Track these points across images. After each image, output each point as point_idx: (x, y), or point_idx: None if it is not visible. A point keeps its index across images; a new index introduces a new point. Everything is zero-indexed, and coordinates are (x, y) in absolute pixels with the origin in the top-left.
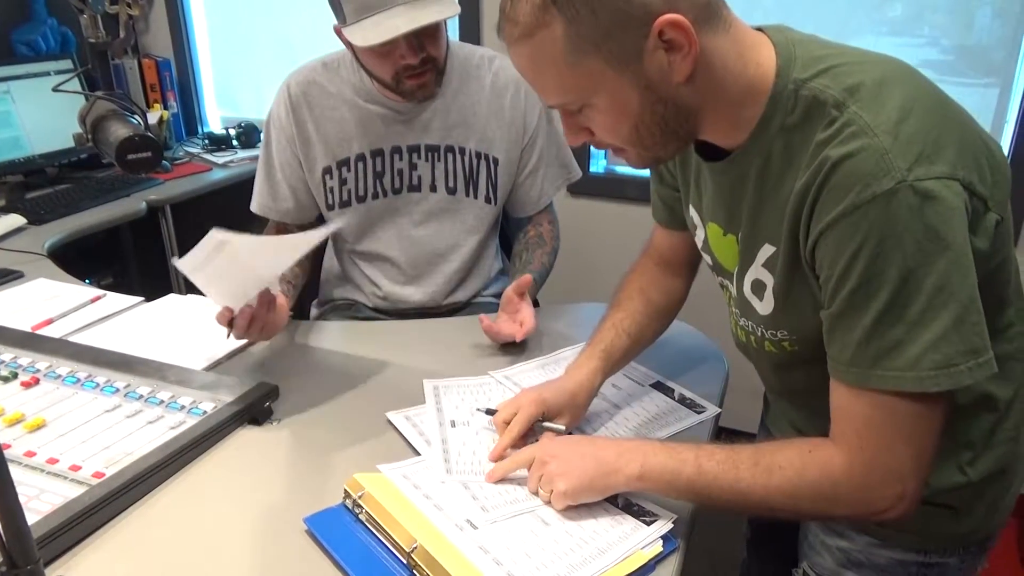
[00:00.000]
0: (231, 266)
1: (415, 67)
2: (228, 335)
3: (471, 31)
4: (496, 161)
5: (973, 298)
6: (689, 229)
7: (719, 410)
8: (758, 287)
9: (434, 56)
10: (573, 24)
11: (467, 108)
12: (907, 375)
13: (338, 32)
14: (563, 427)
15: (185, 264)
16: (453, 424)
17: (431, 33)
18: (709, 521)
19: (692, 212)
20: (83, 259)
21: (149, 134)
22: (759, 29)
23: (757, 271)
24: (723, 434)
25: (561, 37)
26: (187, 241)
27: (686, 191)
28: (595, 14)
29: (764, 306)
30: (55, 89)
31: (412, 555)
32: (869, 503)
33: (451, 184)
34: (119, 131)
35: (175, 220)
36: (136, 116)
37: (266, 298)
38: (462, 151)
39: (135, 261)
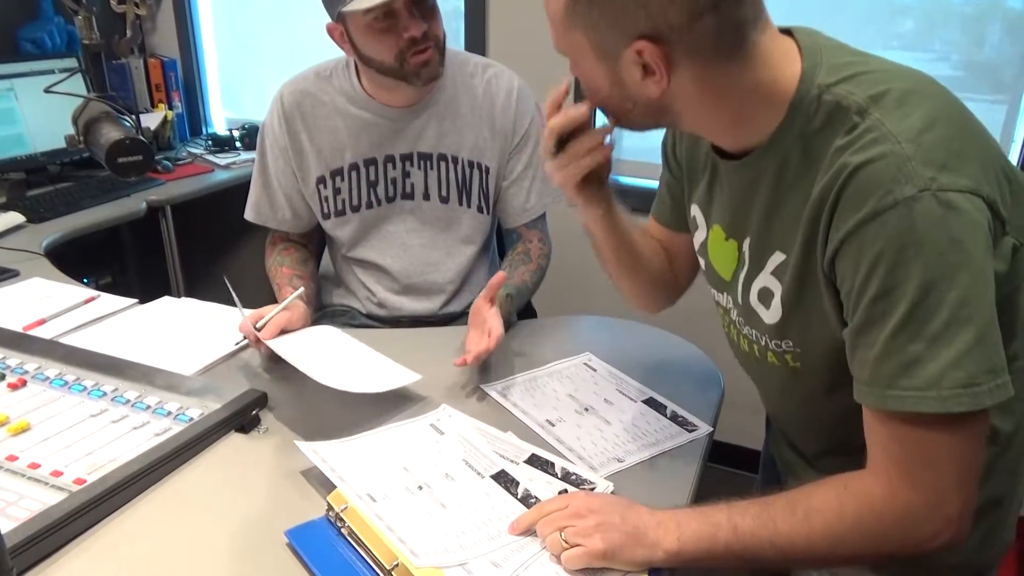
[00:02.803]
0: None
1: (418, 42)
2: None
3: (476, 40)
4: (488, 170)
5: (994, 316)
6: (689, 230)
7: (711, 429)
8: (765, 295)
9: (435, 33)
10: None
11: (460, 116)
12: (927, 395)
13: (331, 32)
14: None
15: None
16: (373, 499)
17: (430, 9)
18: None
19: (696, 211)
20: (82, 258)
21: (141, 137)
22: (788, 31)
23: (766, 279)
24: (720, 449)
25: (564, 2)
26: (187, 242)
27: (691, 187)
28: (591, 2)
29: (771, 314)
30: (47, 90)
31: (393, 572)
32: (917, 530)
33: (444, 193)
34: (110, 134)
35: (175, 221)
36: (128, 119)
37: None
38: (455, 160)
39: (134, 261)
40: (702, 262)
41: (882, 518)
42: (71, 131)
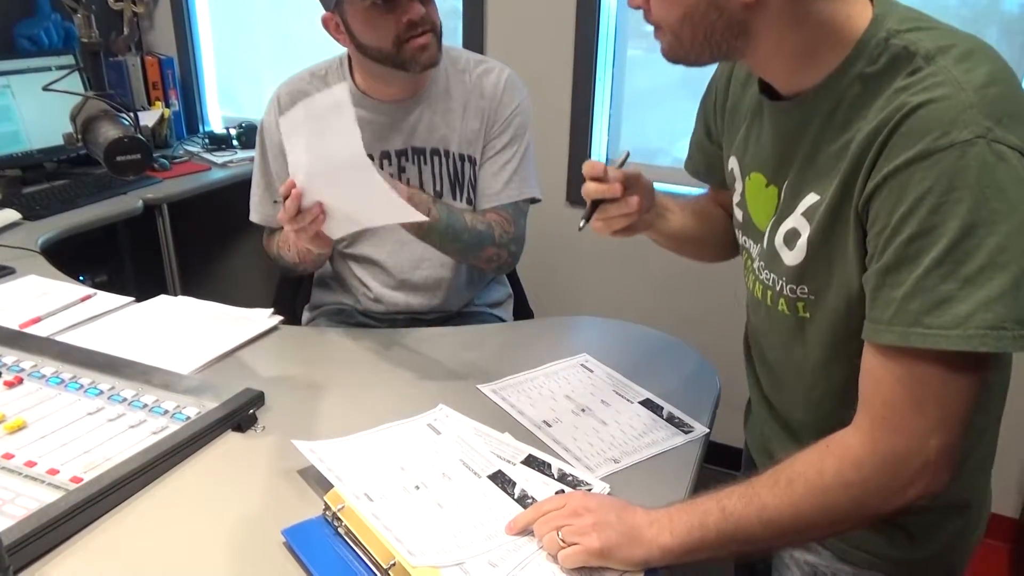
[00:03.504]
0: (333, 159)
1: (417, 25)
2: (275, 202)
3: (474, 38)
4: (476, 161)
5: None
6: (728, 186)
7: (707, 430)
8: (792, 236)
9: (433, 19)
10: None
11: (451, 110)
12: (951, 333)
13: (326, 23)
14: (627, 151)
15: (295, 115)
16: (370, 498)
17: None
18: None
19: (733, 163)
20: (78, 256)
21: (139, 136)
22: None
23: (795, 220)
24: (716, 449)
25: None
26: (184, 240)
27: (730, 141)
28: None
29: (793, 256)
30: (46, 88)
31: (390, 572)
32: (896, 476)
33: (438, 187)
34: (109, 132)
35: (172, 219)
36: (127, 117)
37: (317, 211)
38: (446, 153)
39: (130, 259)
40: (739, 213)
41: (861, 467)
42: (68, 128)
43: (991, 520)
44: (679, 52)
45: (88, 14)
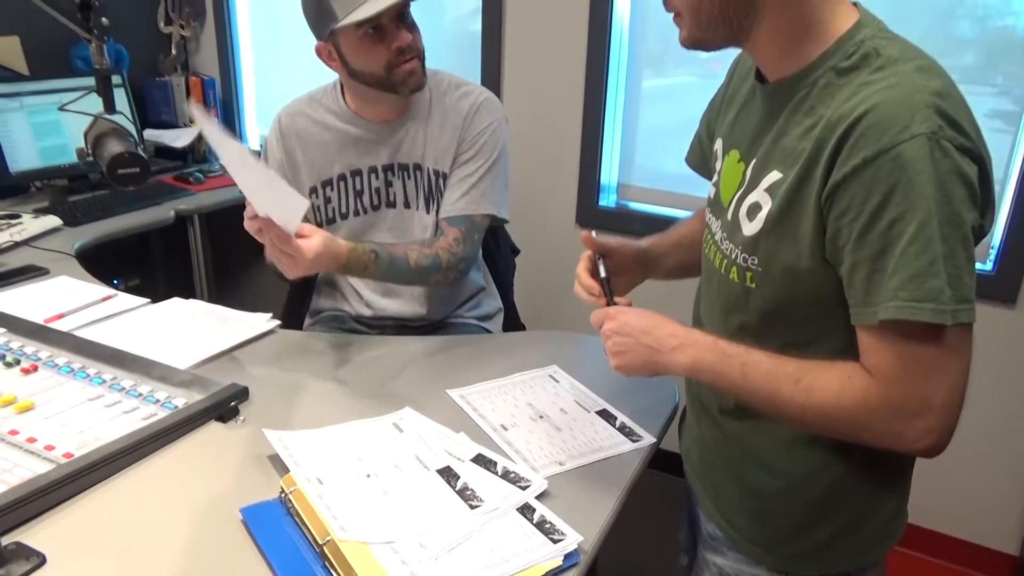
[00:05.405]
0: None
1: (405, 52)
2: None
3: (492, 67)
4: (447, 177)
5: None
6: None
7: (654, 440)
8: (754, 209)
9: (418, 46)
10: None
11: (431, 129)
12: (926, 306)
13: (319, 52)
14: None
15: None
16: (321, 482)
17: (411, 24)
18: (637, 539)
19: (718, 144)
20: (115, 261)
21: (140, 152)
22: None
23: (759, 194)
24: (674, 459)
25: None
26: (214, 250)
27: (720, 127)
28: None
29: (752, 227)
30: (61, 108)
31: (324, 547)
32: (900, 434)
33: (420, 201)
34: (113, 148)
35: (203, 230)
36: (132, 135)
37: (278, 232)
38: (423, 169)
39: (162, 266)
40: (712, 192)
41: (872, 416)
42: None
43: (991, 557)
44: (697, 33)
45: (101, 44)
